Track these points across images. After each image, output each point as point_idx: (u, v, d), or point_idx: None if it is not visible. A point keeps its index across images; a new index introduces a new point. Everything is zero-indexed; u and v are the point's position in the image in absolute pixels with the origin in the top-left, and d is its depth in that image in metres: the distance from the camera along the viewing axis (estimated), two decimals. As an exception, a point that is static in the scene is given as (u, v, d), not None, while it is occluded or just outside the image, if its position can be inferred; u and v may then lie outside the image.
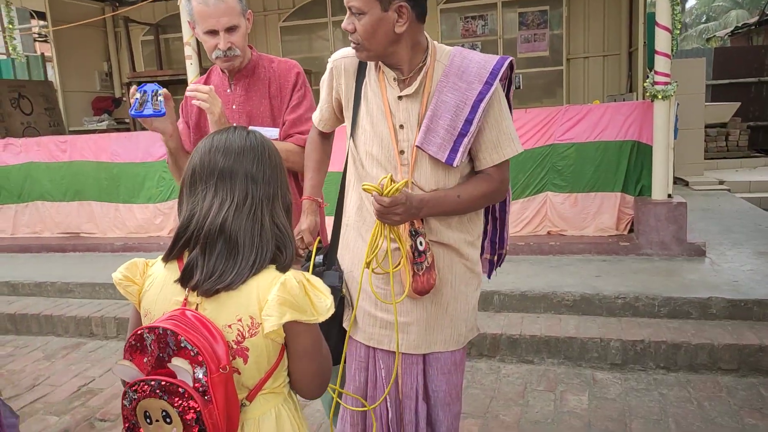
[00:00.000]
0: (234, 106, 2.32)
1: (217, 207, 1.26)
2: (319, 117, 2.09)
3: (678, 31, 4.68)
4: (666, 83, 4.47)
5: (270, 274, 1.26)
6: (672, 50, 4.55)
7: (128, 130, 8.46)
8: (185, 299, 1.26)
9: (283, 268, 1.28)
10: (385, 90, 1.80)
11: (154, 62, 9.36)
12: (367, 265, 1.78)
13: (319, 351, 1.34)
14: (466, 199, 1.78)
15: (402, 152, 1.79)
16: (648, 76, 4.62)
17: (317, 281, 1.29)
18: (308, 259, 2.01)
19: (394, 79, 1.78)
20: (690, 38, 26.92)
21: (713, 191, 7.71)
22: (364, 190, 1.68)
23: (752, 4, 25.24)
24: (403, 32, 1.68)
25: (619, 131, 4.89)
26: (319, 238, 2.11)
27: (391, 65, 1.77)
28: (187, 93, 2.19)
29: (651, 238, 4.62)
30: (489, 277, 2.15)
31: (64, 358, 4.17)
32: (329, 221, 2.11)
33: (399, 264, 1.78)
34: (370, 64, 1.85)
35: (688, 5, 29.27)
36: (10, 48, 7.47)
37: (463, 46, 2.21)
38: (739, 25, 17.30)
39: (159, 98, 2.05)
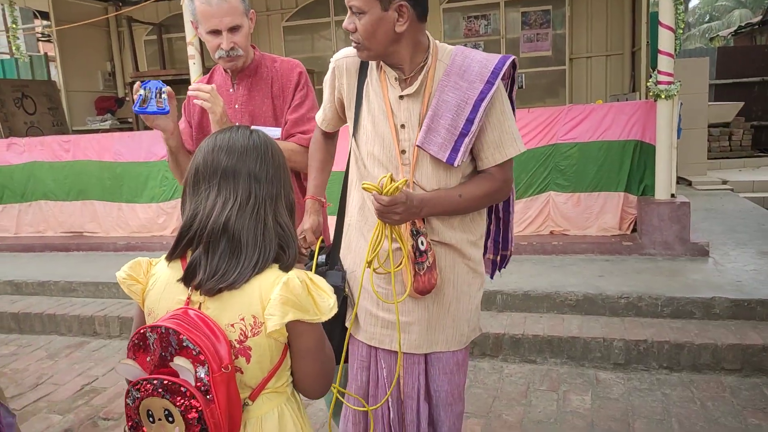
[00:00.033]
0: (237, 106, 2.32)
1: (221, 206, 1.26)
2: (322, 117, 2.09)
3: (681, 31, 4.68)
4: (669, 83, 4.46)
5: (273, 273, 1.26)
6: (675, 50, 4.54)
7: (131, 129, 8.48)
8: (188, 298, 1.26)
9: (286, 268, 1.28)
10: (387, 89, 1.80)
11: (157, 62, 9.38)
12: (369, 264, 1.78)
13: (322, 350, 1.34)
14: (467, 199, 1.77)
15: (403, 152, 1.79)
16: (651, 76, 4.61)
17: (320, 280, 1.28)
18: (311, 258, 2.01)
19: (396, 78, 1.78)
20: (693, 38, 26.87)
21: (716, 191, 7.69)
22: (364, 189, 1.68)
23: (755, 4, 25.18)
24: (403, 31, 1.68)
25: (622, 131, 4.88)
26: (321, 237, 2.11)
27: (393, 65, 1.77)
28: (188, 92, 2.19)
29: (654, 237, 4.61)
30: (492, 277, 2.15)
31: (68, 357, 4.18)
32: (332, 221, 2.11)
33: (400, 264, 1.78)
34: (372, 64, 1.84)
35: (691, 5, 29.23)
36: (14, 48, 7.50)
37: (465, 45, 2.21)
38: (743, 24, 17.28)
39: (163, 96, 2.05)
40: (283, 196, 1.34)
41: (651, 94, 4.59)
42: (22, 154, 6.56)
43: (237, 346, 1.24)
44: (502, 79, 1.78)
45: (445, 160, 1.73)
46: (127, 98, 9.24)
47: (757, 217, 5.99)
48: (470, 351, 2.02)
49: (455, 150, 1.72)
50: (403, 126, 1.78)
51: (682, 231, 4.56)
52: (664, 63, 4.48)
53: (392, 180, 1.66)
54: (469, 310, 1.90)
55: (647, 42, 6.37)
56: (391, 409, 1.92)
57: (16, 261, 5.98)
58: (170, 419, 1.16)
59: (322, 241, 2.08)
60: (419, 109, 1.76)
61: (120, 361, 1.22)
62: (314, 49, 9.16)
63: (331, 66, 1.94)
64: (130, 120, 9.01)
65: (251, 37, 2.30)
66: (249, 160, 1.30)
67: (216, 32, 2.17)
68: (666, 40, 4.47)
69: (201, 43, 5.07)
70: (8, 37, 7.48)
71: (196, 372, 1.16)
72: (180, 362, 1.16)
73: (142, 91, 2.03)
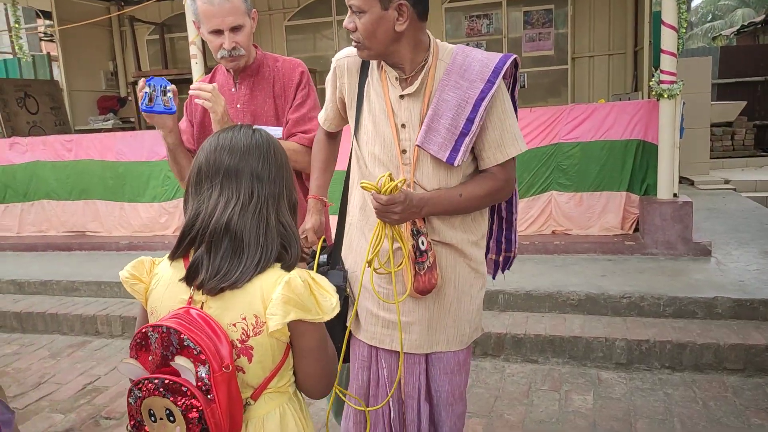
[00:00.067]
0: (238, 105, 2.32)
1: (223, 206, 1.26)
2: (324, 117, 2.09)
3: (684, 30, 4.66)
4: (672, 82, 4.46)
5: (275, 272, 1.26)
6: (678, 49, 4.53)
7: (133, 129, 8.48)
8: (190, 297, 1.26)
9: (288, 267, 1.27)
10: (387, 89, 1.79)
11: (159, 61, 9.38)
12: (369, 263, 1.78)
13: (325, 350, 1.33)
14: (468, 198, 1.77)
15: (404, 152, 1.78)
16: (654, 75, 4.60)
17: (323, 280, 1.28)
18: (313, 258, 2.01)
19: (396, 78, 1.78)
20: (696, 37, 26.81)
21: (719, 190, 7.68)
22: (363, 188, 1.68)
23: (758, 3, 25.13)
24: (403, 31, 1.67)
25: (625, 130, 4.87)
26: (323, 237, 2.11)
27: (393, 64, 1.77)
28: (190, 92, 2.19)
29: (656, 237, 4.60)
30: (494, 278, 2.14)
31: (70, 356, 4.18)
32: (333, 221, 2.11)
33: (401, 264, 1.77)
34: (373, 64, 1.84)
35: (693, 4, 29.18)
36: (17, 47, 7.52)
37: (468, 45, 2.20)
38: (746, 23, 17.24)
39: (168, 94, 2.05)
40: (285, 195, 1.34)
41: (653, 93, 4.59)
42: (24, 154, 6.57)
43: (239, 345, 1.24)
44: (504, 78, 1.77)
45: (445, 160, 1.72)
46: (130, 98, 9.24)
47: (759, 217, 5.98)
48: (472, 351, 2.01)
49: (455, 150, 1.71)
50: (403, 125, 1.78)
51: (685, 231, 4.55)
52: (667, 62, 4.47)
53: (391, 179, 1.66)
54: (470, 311, 1.90)
55: (650, 41, 6.36)
56: (392, 408, 1.92)
57: (19, 260, 5.99)
58: (171, 419, 1.16)
59: (324, 240, 2.08)
60: (420, 108, 1.76)
61: (122, 360, 1.22)
62: (316, 49, 9.16)
63: (332, 66, 1.94)
64: (132, 119, 9.02)
65: (253, 37, 2.29)
66: (251, 160, 1.30)
67: (218, 32, 2.17)
68: (669, 40, 4.46)
69: (203, 42, 5.09)
70: (11, 36, 7.50)
71: (197, 371, 1.16)
72: (181, 362, 1.16)
73: (147, 89, 2.03)
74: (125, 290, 1.37)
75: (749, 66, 11.51)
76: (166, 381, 1.15)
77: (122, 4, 9.19)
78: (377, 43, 1.69)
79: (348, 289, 1.94)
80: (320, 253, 2.00)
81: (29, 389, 3.65)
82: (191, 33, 5.23)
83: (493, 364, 3.62)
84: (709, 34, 25.25)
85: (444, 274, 1.83)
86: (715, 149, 9.58)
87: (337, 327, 1.92)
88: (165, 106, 2.05)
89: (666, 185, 4.64)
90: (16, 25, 7.40)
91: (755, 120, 10.62)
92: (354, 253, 1.93)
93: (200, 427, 1.15)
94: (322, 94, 2.04)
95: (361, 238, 1.90)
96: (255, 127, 1.39)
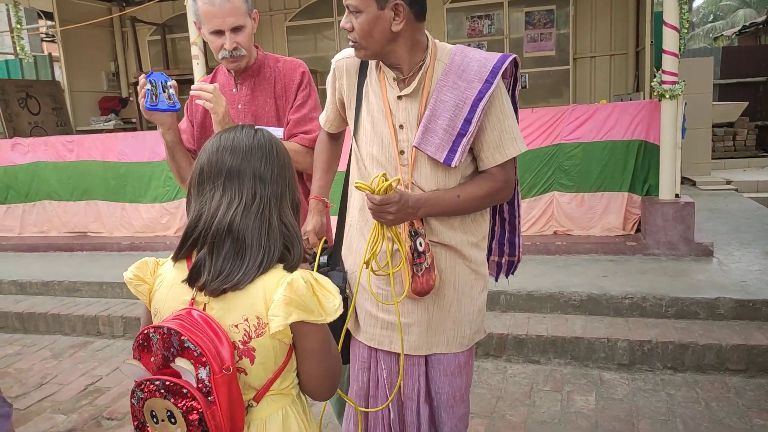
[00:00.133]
0: (239, 106, 2.32)
1: (225, 207, 1.26)
2: (325, 118, 2.09)
3: (685, 30, 4.66)
4: (673, 82, 4.45)
5: (277, 273, 1.25)
6: (679, 49, 4.53)
7: (135, 129, 8.49)
8: (193, 299, 1.26)
9: (290, 268, 1.27)
10: (386, 90, 1.79)
11: (160, 62, 9.39)
12: (366, 264, 1.77)
13: (328, 351, 1.32)
14: (466, 200, 1.75)
15: (402, 152, 1.78)
16: (655, 76, 4.60)
17: (325, 281, 1.27)
18: (314, 259, 2.00)
19: (394, 78, 1.77)
20: (697, 37, 26.79)
21: (721, 191, 7.67)
22: (357, 188, 1.68)
23: (760, 3, 25.10)
24: (400, 31, 1.67)
25: (626, 131, 4.87)
26: (324, 238, 2.11)
27: (391, 64, 1.76)
28: (191, 92, 2.19)
29: (658, 238, 4.60)
30: (497, 280, 2.13)
31: (72, 356, 4.18)
32: (334, 221, 2.10)
33: (399, 265, 1.77)
34: (371, 65, 1.84)
35: (695, 4, 29.13)
36: (18, 48, 7.52)
37: (469, 45, 2.20)
38: (747, 24, 17.22)
39: (170, 91, 2.05)
40: (288, 196, 1.33)
41: (655, 93, 4.58)
42: (26, 155, 6.58)
43: (241, 347, 1.24)
44: (504, 78, 1.76)
45: (442, 161, 1.71)
46: (131, 98, 9.25)
47: (761, 217, 5.97)
48: (474, 352, 2.00)
49: (453, 150, 1.70)
50: (401, 126, 1.77)
51: (687, 231, 4.55)
52: (669, 63, 4.47)
53: (385, 179, 1.65)
54: (470, 312, 1.88)
55: (651, 42, 6.36)
56: (391, 410, 1.92)
57: (21, 261, 6.00)
58: (173, 420, 1.15)
59: (325, 241, 2.07)
60: (417, 109, 1.75)
61: (125, 361, 1.22)
62: (317, 49, 9.16)
63: (331, 67, 1.94)
64: (133, 120, 9.03)
65: (254, 37, 2.29)
66: (254, 160, 1.29)
67: (219, 32, 2.17)
68: (670, 40, 4.45)
69: (204, 43, 5.08)
70: (13, 37, 7.51)
71: (197, 373, 1.16)
72: (181, 363, 1.16)
73: (148, 86, 2.02)
74: (127, 291, 1.38)
75: (751, 66, 11.49)
76: (167, 382, 1.15)
77: (124, 4, 9.20)
78: (374, 42, 1.69)
79: (347, 290, 1.93)
80: (321, 254, 2.00)
81: (31, 390, 3.65)
82: (192, 33, 5.24)
83: (495, 364, 3.61)
84: (711, 35, 25.23)
85: (443, 276, 1.82)
86: (716, 150, 9.57)
87: (339, 328, 1.92)
88: (169, 103, 2.05)
89: (668, 186, 4.64)
90: (18, 26, 7.41)
91: (757, 120, 10.61)
92: (354, 254, 1.93)
93: (201, 428, 1.14)
94: (323, 94, 2.04)
95: (361, 239, 1.89)
96: (257, 127, 1.38)
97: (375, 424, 1.94)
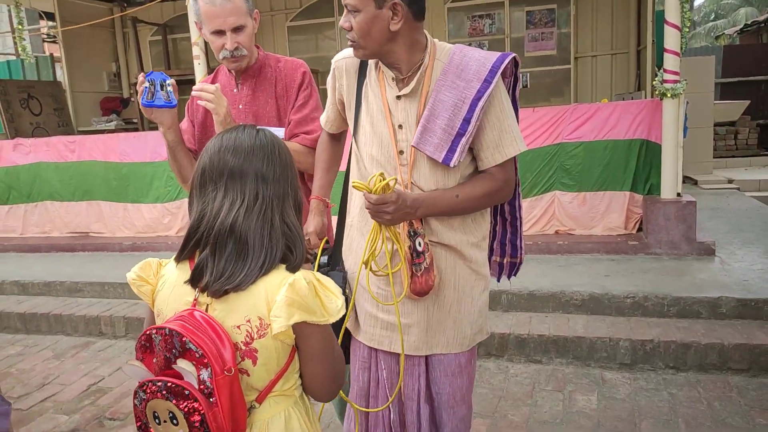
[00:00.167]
0: (240, 106, 2.32)
1: (228, 207, 1.25)
2: (325, 118, 2.09)
3: (687, 29, 4.65)
4: (675, 81, 4.44)
5: (279, 274, 1.25)
6: (681, 48, 4.52)
7: (136, 130, 8.50)
8: (195, 300, 1.26)
9: (293, 268, 1.27)
10: (385, 90, 1.79)
11: (162, 62, 9.39)
12: (365, 264, 1.77)
13: (331, 352, 1.32)
14: (465, 200, 1.75)
15: (401, 152, 1.77)
16: (657, 75, 4.59)
17: (328, 281, 1.27)
18: (315, 259, 2.00)
19: (393, 78, 1.77)
20: (699, 36, 26.75)
21: (722, 190, 7.66)
22: (354, 187, 1.68)
23: (761, 2, 25.06)
24: (398, 30, 1.67)
25: (628, 130, 4.86)
26: (326, 238, 2.11)
27: (390, 64, 1.76)
28: (193, 93, 2.19)
29: (660, 237, 4.59)
30: (498, 280, 2.13)
31: (74, 357, 4.19)
32: (335, 221, 2.10)
33: (399, 266, 1.76)
34: (371, 65, 1.84)
35: (696, 3, 29.11)
36: (20, 49, 7.53)
37: (470, 45, 2.19)
38: (749, 22, 17.21)
39: (168, 88, 2.05)
40: (290, 196, 1.33)
41: (657, 92, 4.58)
42: (28, 155, 6.58)
43: (243, 348, 1.24)
44: (504, 77, 1.76)
45: (441, 161, 1.70)
46: (132, 99, 9.26)
47: (763, 216, 5.96)
48: (476, 353, 2.00)
49: (452, 150, 1.69)
50: (400, 126, 1.77)
51: (688, 230, 4.54)
52: (670, 61, 4.46)
53: (383, 178, 1.65)
54: (471, 313, 1.88)
55: (653, 40, 6.35)
56: (391, 410, 1.91)
57: (23, 261, 6.00)
58: (175, 422, 1.15)
59: (327, 241, 2.07)
60: (416, 109, 1.75)
61: (127, 362, 1.22)
62: (318, 49, 9.16)
63: (331, 67, 1.94)
64: (135, 120, 9.03)
65: (255, 37, 2.29)
66: (256, 160, 1.29)
67: (220, 32, 2.17)
68: (672, 39, 4.45)
69: (206, 43, 5.08)
70: (14, 38, 7.51)
71: (199, 374, 1.16)
72: (182, 365, 1.15)
73: (147, 83, 2.03)
74: (129, 291, 1.38)
75: (752, 65, 11.48)
76: (169, 384, 1.15)
77: (125, 5, 9.20)
78: (372, 42, 1.68)
79: (347, 290, 1.93)
80: (321, 254, 2.00)
81: (33, 390, 3.66)
82: (194, 34, 5.24)
83: (496, 364, 3.61)
84: (712, 33, 25.20)
85: (443, 276, 1.82)
86: (718, 149, 9.56)
87: (339, 328, 1.92)
88: (165, 100, 2.05)
89: (669, 185, 4.63)
90: (20, 27, 7.42)
91: (759, 119, 10.59)
92: (354, 254, 1.92)
93: (203, 430, 1.14)
94: (324, 94, 2.04)
95: (361, 239, 1.89)
96: (259, 127, 1.38)
97: (375, 425, 1.94)
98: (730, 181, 8.00)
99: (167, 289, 1.32)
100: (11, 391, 3.63)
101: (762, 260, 4.39)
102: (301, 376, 1.34)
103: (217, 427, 1.15)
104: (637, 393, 3.18)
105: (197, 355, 1.16)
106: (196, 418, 1.14)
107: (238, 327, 1.23)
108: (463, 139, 1.69)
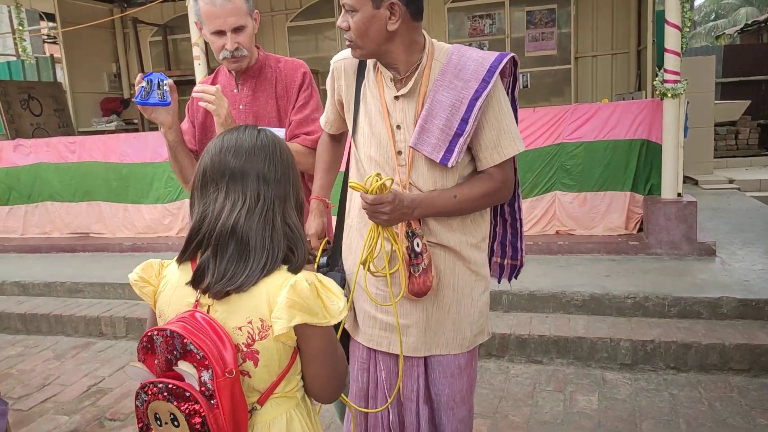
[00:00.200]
0: (241, 107, 2.32)
1: (229, 209, 1.25)
2: (325, 119, 2.08)
3: (687, 29, 4.65)
4: (676, 81, 4.44)
5: (281, 275, 1.25)
6: (681, 48, 4.52)
7: (137, 130, 8.50)
8: (197, 301, 1.25)
9: (294, 269, 1.26)
10: (383, 90, 1.78)
11: (162, 63, 9.40)
12: (363, 265, 1.77)
13: (333, 354, 1.31)
14: (463, 200, 1.74)
15: (399, 153, 1.77)
16: (657, 75, 4.59)
17: (330, 282, 1.27)
18: (314, 260, 2.00)
19: (391, 78, 1.76)
20: (699, 36, 26.73)
21: (723, 190, 7.65)
22: (351, 187, 1.68)
23: (762, 2, 25.06)
24: (396, 30, 1.66)
25: (628, 130, 4.86)
26: (327, 239, 2.11)
27: (387, 64, 1.75)
28: (193, 94, 2.19)
29: (661, 237, 4.59)
30: (499, 281, 2.12)
31: (74, 357, 4.19)
32: (335, 222, 2.10)
33: (397, 267, 1.76)
34: (369, 65, 1.83)
35: (697, 3, 29.08)
36: (20, 49, 7.53)
37: (470, 45, 2.19)
38: (749, 22, 17.21)
39: (164, 87, 2.05)
40: (292, 196, 1.32)
41: (657, 92, 4.57)
42: (28, 156, 6.59)
43: (245, 349, 1.23)
44: (503, 77, 1.75)
45: (438, 161, 1.69)
46: (133, 99, 9.25)
47: (764, 216, 5.95)
48: (476, 354, 1.99)
49: (449, 150, 1.68)
50: (398, 127, 1.76)
51: (689, 230, 4.54)
52: (671, 61, 4.46)
53: (379, 178, 1.64)
54: (471, 314, 1.87)
55: (653, 40, 6.35)
56: (390, 411, 1.91)
57: (23, 262, 6.00)
58: (176, 423, 1.15)
59: (327, 242, 2.07)
60: (414, 109, 1.74)
61: (129, 363, 1.22)
62: (319, 50, 9.17)
63: (330, 68, 1.94)
64: (135, 121, 9.04)
65: (255, 38, 2.29)
66: (257, 161, 1.29)
67: (220, 33, 2.17)
68: (672, 39, 4.45)
69: (206, 44, 5.08)
70: (15, 38, 7.52)
71: (200, 376, 1.15)
72: (183, 367, 1.15)
73: (144, 83, 2.03)
74: (129, 292, 1.38)
75: (753, 65, 11.47)
76: (170, 385, 1.14)
77: (125, 6, 9.21)
78: (369, 42, 1.68)
79: (345, 291, 1.93)
80: (321, 255, 2.00)
81: (34, 391, 3.66)
82: (194, 34, 5.25)
83: (497, 364, 3.61)
84: (713, 33, 25.18)
85: (442, 277, 1.81)
86: (719, 149, 9.56)
87: (338, 328, 1.92)
88: (160, 98, 2.05)
89: (670, 185, 4.63)
90: (20, 27, 7.42)
91: (759, 119, 10.58)
92: (353, 255, 1.92)
93: (203, 432, 1.14)
94: (324, 95, 2.04)
95: (360, 240, 1.88)
96: (260, 127, 1.37)
97: (375, 425, 1.94)
98: (731, 181, 8.00)
99: (169, 290, 1.32)
100: (11, 391, 3.63)
101: (763, 260, 4.38)
102: (302, 378, 1.34)
103: (218, 429, 1.15)
104: (637, 393, 3.18)
105: (198, 357, 1.15)
106: (197, 420, 1.13)
107: (240, 328, 1.23)
108: (461, 140, 1.68)
